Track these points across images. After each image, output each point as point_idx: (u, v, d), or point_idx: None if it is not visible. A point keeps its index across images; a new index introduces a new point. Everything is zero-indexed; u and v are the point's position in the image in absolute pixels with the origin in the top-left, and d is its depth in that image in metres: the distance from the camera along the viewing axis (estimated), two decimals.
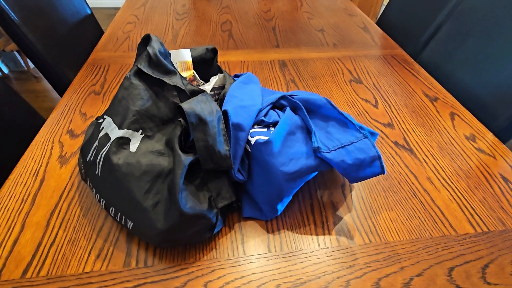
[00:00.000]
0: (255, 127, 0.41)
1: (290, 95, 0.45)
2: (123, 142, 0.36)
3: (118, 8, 2.87)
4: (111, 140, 0.36)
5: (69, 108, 0.62)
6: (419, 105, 0.68)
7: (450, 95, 0.71)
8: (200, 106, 0.36)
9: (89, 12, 1.03)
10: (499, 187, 0.50)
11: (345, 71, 0.78)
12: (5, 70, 1.91)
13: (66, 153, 0.52)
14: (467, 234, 0.43)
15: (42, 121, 0.74)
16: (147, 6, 1.09)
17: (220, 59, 0.79)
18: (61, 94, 0.88)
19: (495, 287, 0.38)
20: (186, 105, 0.35)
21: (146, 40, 0.41)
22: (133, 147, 0.36)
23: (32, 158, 0.51)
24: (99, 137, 0.37)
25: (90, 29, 1.03)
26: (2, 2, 0.71)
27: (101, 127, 0.37)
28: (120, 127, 0.36)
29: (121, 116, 0.37)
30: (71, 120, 0.59)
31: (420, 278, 0.38)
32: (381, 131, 0.61)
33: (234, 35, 0.92)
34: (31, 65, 1.86)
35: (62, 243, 0.40)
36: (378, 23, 1.14)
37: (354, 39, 0.93)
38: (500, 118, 0.66)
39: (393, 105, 0.67)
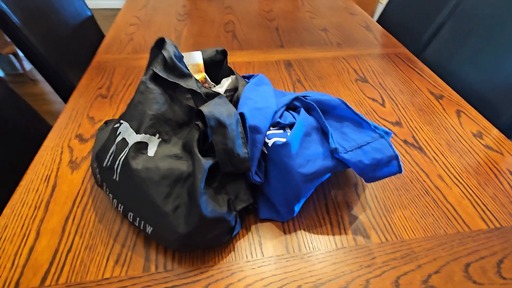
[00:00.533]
0: (271, 129, 0.41)
1: (303, 96, 0.45)
2: (141, 147, 0.36)
3: (115, 9, 2.84)
4: (129, 145, 0.36)
5: (77, 113, 0.61)
6: (425, 103, 0.68)
7: (455, 93, 0.72)
8: (218, 110, 0.36)
9: (89, 14, 1.02)
10: (508, 183, 0.51)
11: (350, 70, 0.78)
12: (1, 74, 1.89)
13: (76, 158, 0.52)
14: (481, 230, 0.44)
15: (46, 125, 0.73)
16: (148, 7, 1.08)
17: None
18: (63, 97, 0.87)
19: (511, 281, 0.38)
20: (205, 109, 0.35)
21: (160, 43, 0.41)
22: (151, 151, 0.36)
23: (43, 164, 0.51)
24: (116, 142, 0.37)
25: (90, 31, 1.02)
26: (3, 4, 0.70)
27: (117, 132, 0.37)
28: (137, 132, 0.36)
29: (137, 120, 0.37)
30: (80, 124, 0.59)
31: (438, 275, 0.39)
32: (390, 129, 0.61)
33: (238, 36, 0.91)
34: (27, 67, 1.84)
35: (79, 249, 0.40)
36: (379, 22, 1.15)
37: (357, 38, 0.94)
38: (504, 115, 0.66)
39: (400, 104, 0.68)
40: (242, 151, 0.36)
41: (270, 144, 0.39)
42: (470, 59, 0.76)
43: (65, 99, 0.84)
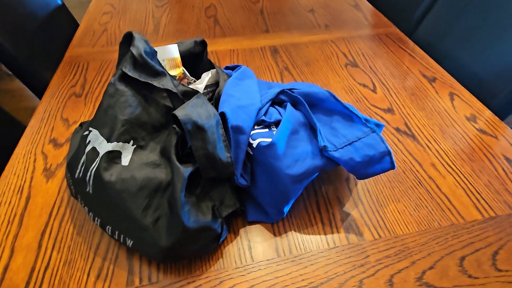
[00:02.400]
0: (255, 127, 0.38)
1: (289, 89, 0.42)
2: (114, 156, 0.33)
3: None
4: (100, 155, 0.33)
5: (49, 114, 0.57)
6: (417, 87, 0.66)
7: (448, 74, 0.69)
8: (196, 112, 0.32)
9: (59, 2, 0.94)
10: (503, 169, 0.50)
11: (339, 54, 0.75)
12: None
13: (51, 165, 0.49)
14: (475, 221, 0.43)
15: (21, 128, 0.69)
16: None
17: (208, 49, 0.74)
18: (38, 94, 0.82)
19: (506, 273, 0.38)
20: (180, 112, 0.31)
21: (128, 38, 0.37)
22: (125, 160, 0.33)
23: (14, 174, 0.47)
24: (86, 152, 0.34)
25: (63, 21, 0.95)
26: None
27: (87, 141, 0.34)
28: (109, 140, 0.33)
29: (109, 127, 0.34)
30: (53, 127, 0.55)
31: (433, 271, 0.38)
32: (382, 117, 0.59)
33: (220, 21, 0.86)
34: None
35: (57, 265, 0.37)
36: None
37: (346, 18, 0.89)
38: (499, 95, 0.65)
39: (391, 89, 0.65)
40: (224, 155, 0.34)
41: (254, 145, 0.36)
42: (464, 38, 0.73)
43: (41, 97, 0.79)
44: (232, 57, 0.73)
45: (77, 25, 0.99)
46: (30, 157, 0.50)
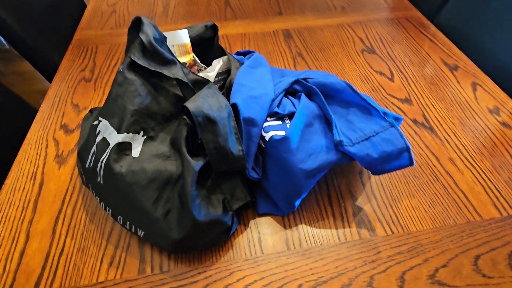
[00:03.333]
0: (268, 119, 0.37)
1: (304, 79, 0.40)
2: (124, 147, 0.33)
3: None
4: (110, 146, 0.32)
5: (59, 100, 0.57)
6: (438, 76, 0.62)
7: (471, 62, 0.65)
8: (207, 103, 0.31)
9: None
10: None
11: (356, 39, 0.71)
12: None
13: (62, 151, 0.49)
14: (493, 219, 0.42)
15: (33, 111, 0.69)
16: None
17: (218, 33, 0.72)
18: (49, 78, 0.81)
19: None
20: (191, 104, 0.30)
21: (137, 23, 0.35)
22: (136, 151, 0.33)
23: (27, 160, 0.48)
24: (96, 142, 0.33)
25: (71, 2, 0.93)
26: None
27: (97, 131, 0.33)
28: (118, 131, 0.32)
29: (118, 117, 0.33)
30: (63, 113, 0.55)
31: (446, 269, 0.37)
32: (399, 108, 0.56)
33: (231, 3, 0.83)
34: None
35: (71, 252, 0.38)
36: None
37: (363, 0, 0.84)
38: None
39: (410, 77, 0.62)
40: (236, 148, 0.33)
41: (267, 139, 0.35)
42: (491, 23, 0.68)
43: (51, 80, 0.79)
44: (244, 42, 0.70)
45: (85, 5, 0.97)
46: (42, 143, 0.50)
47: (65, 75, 0.62)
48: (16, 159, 0.48)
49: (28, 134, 0.51)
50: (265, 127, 0.36)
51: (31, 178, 0.45)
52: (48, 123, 0.53)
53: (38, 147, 0.49)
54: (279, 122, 0.36)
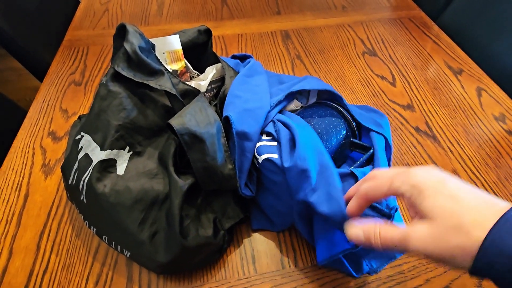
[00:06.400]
0: (263, 138, 0.35)
1: (298, 91, 0.38)
2: (108, 164, 0.31)
3: None
4: (93, 163, 0.30)
5: (48, 104, 0.55)
6: (441, 80, 0.60)
7: (476, 66, 0.63)
8: (194, 120, 0.29)
9: None
10: None
11: (357, 41, 0.68)
12: None
13: (50, 160, 0.47)
14: None
15: (24, 114, 0.67)
16: None
17: (214, 33, 0.69)
18: (41, 78, 0.79)
19: None
20: (176, 121, 0.28)
21: (122, 30, 0.33)
22: (121, 168, 0.31)
23: (13, 169, 0.46)
24: (78, 158, 0.31)
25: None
26: None
27: (79, 147, 0.31)
28: (102, 147, 0.30)
29: (101, 133, 0.31)
30: (51, 119, 0.52)
31: None
32: (400, 114, 0.54)
33: (228, 1, 0.80)
34: None
35: (56, 269, 0.36)
36: None
37: None
38: None
39: (412, 82, 0.60)
40: (226, 167, 0.31)
41: (260, 161, 0.33)
42: (497, 24, 0.66)
43: (41, 79, 0.76)
44: (240, 43, 0.68)
45: (77, 3, 0.94)
46: (28, 151, 0.48)
47: (55, 78, 0.59)
48: (0, 168, 0.46)
49: (15, 141, 0.49)
50: (258, 147, 0.34)
51: (16, 189, 0.43)
52: (36, 130, 0.51)
53: (24, 155, 0.47)
54: (274, 143, 0.34)
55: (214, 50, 0.64)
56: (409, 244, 0.20)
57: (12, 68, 1.59)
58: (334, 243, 0.31)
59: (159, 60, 0.35)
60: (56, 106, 0.54)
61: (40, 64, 0.75)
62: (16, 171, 0.45)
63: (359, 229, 0.22)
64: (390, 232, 0.21)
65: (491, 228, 0.16)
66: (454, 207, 0.18)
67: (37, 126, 0.51)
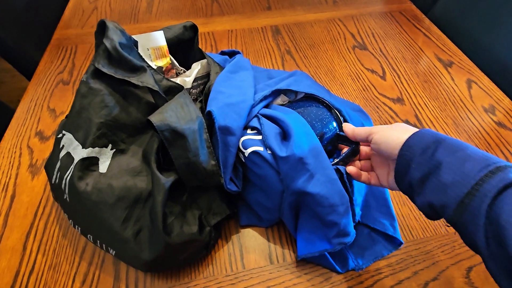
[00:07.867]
0: (248, 132, 0.34)
1: (285, 88, 0.38)
2: (90, 162, 0.30)
3: None
4: (75, 161, 0.30)
5: (35, 104, 0.54)
6: (431, 73, 0.60)
7: (466, 58, 0.63)
8: (175, 116, 0.29)
9: None
10: None
11: (347, 35, 0.68)
12: None
13: (37, 160, 0.46)
14: None
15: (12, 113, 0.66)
16: None
17: (204, 29, 0.69)
18: (29, 78, 0.78)
19: None
20: (156, 117, 0.28)
21: (102, 27, 0.32)
22: (103, 166, 0.31)
23: None
24: (60, 157, 0.31)
25: None
26: None
27: (61, 145, 0.31)
28: (83, 146, 0.30)
29: (83, 131, 0.30)
30: (39, 119, 0.52)
31: (436, 282, 0.35)
32: (390, 108, 0.54)
33: None
34: None
35: (42, 269, 0.36)
36: None
37: None
38: None
39: (402, 75, 0.60)
40: (208, 163, 0.30)
41: (246, 154, 0.33)
42: (488, 17, 0.65)
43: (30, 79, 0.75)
44: (230, 39, 0.67)
45: (66, 1, 0.93)
46: (15, 152, 0.47)
47: (42, 78, 0.59)
48: None
49: (2, 142, 0.49)
50: (244, 141, 0.33)
51: (2, 189, 0.43)
52: (23, 129, 0.50)
53: (11, 156, 0.47)
54: (259, 137, 0.33)
55: (204, 46, 0.64)
56: (373, 136, 0.30)
57: (5, 70, 1.58)
58: (315, 241, 0.32)
59: (141, 56, 0.34)
60: (43, 106, 0.54)
61: (30, 65, 0.74)
62: (3, 172, 0.45)
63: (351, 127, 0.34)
64: (363, 129, 0.32)
65: (409, 136, 0.28)
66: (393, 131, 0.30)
67: (24, 126, 0.51)
